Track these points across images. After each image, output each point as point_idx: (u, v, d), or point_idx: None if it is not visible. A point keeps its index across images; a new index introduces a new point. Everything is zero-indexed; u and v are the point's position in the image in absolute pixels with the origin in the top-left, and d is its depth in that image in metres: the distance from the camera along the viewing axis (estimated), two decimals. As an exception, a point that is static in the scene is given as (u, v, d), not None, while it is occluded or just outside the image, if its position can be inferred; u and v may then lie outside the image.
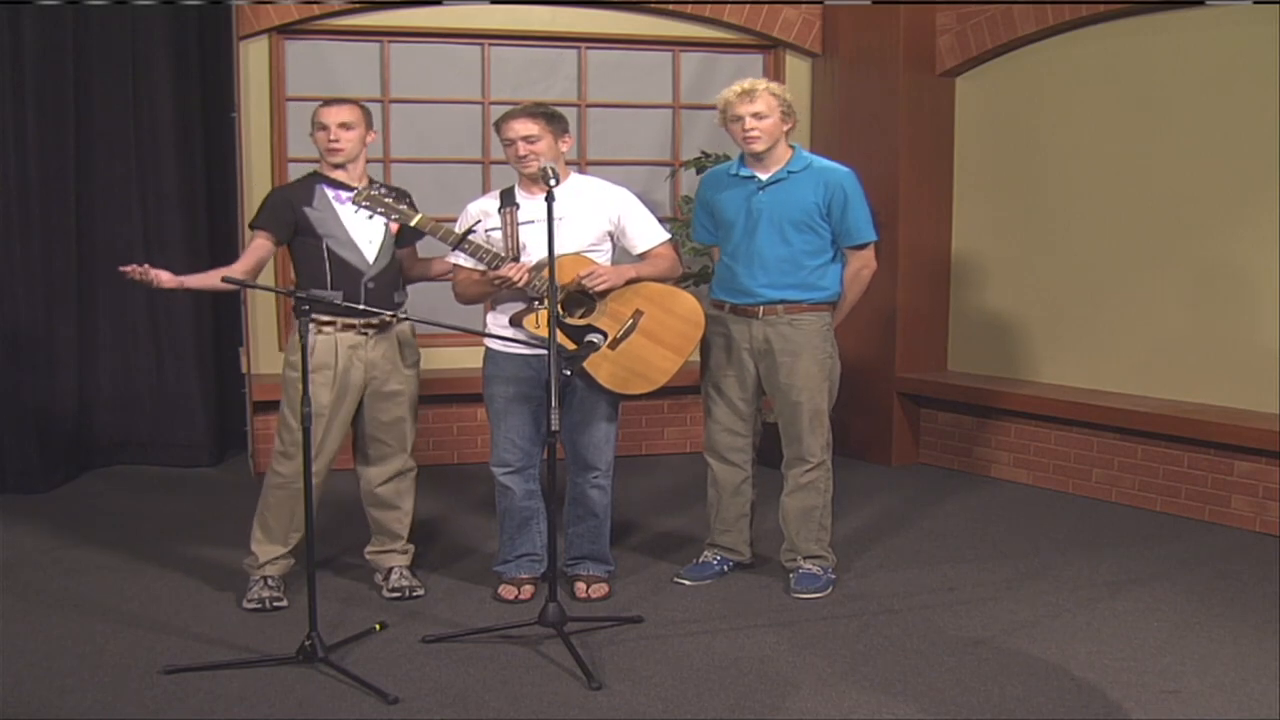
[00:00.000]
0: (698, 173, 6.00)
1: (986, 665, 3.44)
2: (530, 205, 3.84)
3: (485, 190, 6.03)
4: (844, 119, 6.25)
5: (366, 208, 3.71)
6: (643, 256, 3.95)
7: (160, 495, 5.48)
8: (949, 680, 3.34)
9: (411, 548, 4.21)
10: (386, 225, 3.92)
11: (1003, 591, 4.10)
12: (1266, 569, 4.35)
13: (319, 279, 3.85)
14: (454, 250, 3.82)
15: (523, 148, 3.77)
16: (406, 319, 3.94)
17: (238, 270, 3.84)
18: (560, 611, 3.52)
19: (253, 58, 5.81)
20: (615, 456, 4.07)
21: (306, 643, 3.37)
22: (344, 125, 3.87)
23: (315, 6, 5.78)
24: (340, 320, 3.87)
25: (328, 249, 3.86)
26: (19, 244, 5.40)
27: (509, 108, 3.92)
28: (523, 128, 3.76)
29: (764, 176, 4.01)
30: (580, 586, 4.04)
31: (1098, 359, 5.57)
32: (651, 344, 3.88)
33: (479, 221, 3.85)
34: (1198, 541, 4.73)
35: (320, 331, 3.86)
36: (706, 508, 4.31)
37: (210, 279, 3.89)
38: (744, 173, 4.05)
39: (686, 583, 4.16)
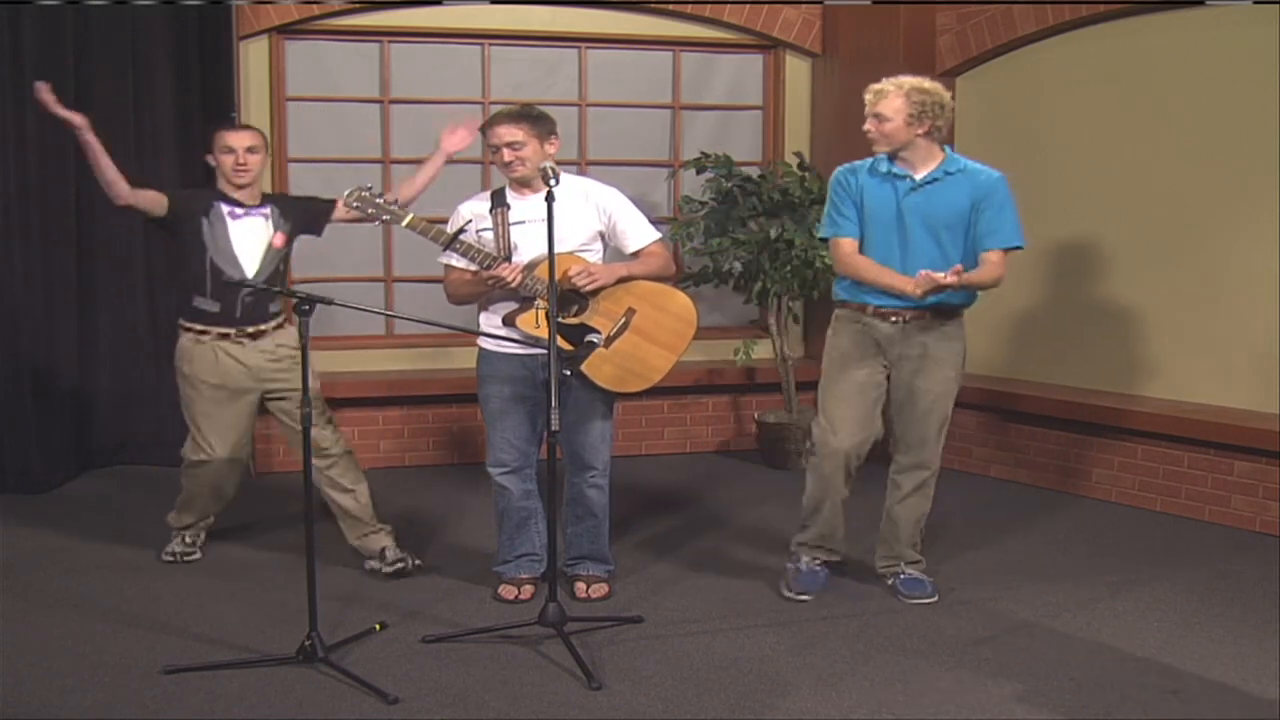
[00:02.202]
0: (698, 173, 6.02)
1: (986, 665, 3.44)
2: (520, 206, 3.84)
3: (484, 190, 6.06)
4: (844, 119, 6.23)
5: (357, 208, 3.74)
6: (635, 255, 3.95)
7: (160, 495, 5.46)
8: (950, 680, 3.34)
9: (388, 526, 4.36)
10: (269, 240, 4.18)
11: (1003, 591, 4.10)
12: (1266, 569, 4.35)
13: (200, 287, 4.14)
14: (445, 251, 3.82)
15: (508, 154, 3.77)
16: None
17: (126, 190, 4.04)
18: (560, 611, 3.52)
19: (253, 58, 5.82)
20: (612, 456, 4.06)
21: (306, 643, 3.37)
22: (251, 150, 4.13)
23: (315, 6, 5.79)
24: (215, 329, 4.15)
25: (210, 260, 4.10)
26: (19, 244, 5.40)
27: (505, 108, 3.92)
28: (507, 134, 3.76)
29: (917, 176, 3.84)
30: (580, 586, 4.04)
31: (1097, 359, 5.57)
32: (645, 342, 3.88)
33: (469, 221, 3.85)
34: (1198, 541, 4.74)
35: (199, 341, 4.16)
36: (809, 515, 4.11)
37: (103, 162, 4.01)
38: (896, 170, 3.86)
39: (807, 598, 4.02)
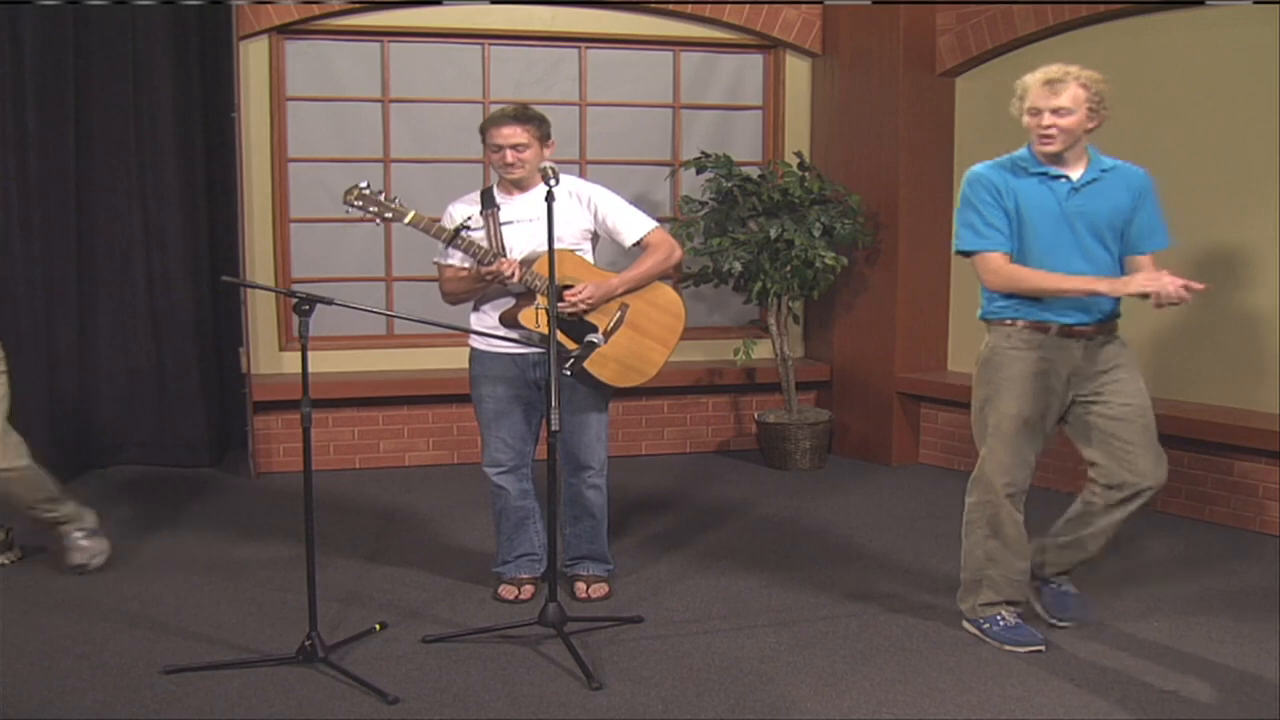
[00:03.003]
0: (698, 173, 6.02)
1: (986, 665, 3.44)
2: (510, 207, 3.86)
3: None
4: (844, 119, 6.25)
5: (358, 207, 3.71)
6: (638, 246, 3.93)
7: (160, 495, 5.48)
8: (949, 680, 3.34)
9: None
10: None
11: (1003, 591, 4.10)
12: (1266, 569, 4.35)
13: None
14: (447, 248, 3.82)
15: (511, 155, 3.78)
16: None
17: None
18: (560, 611, 3.52)
19: (253, 58, 5.82)
20: (610, 455, 4.06)
21: (306, 643, 3.37)
22: None
23: (315, 6, 5.79)
24: None
25: None
26: (19, 244, 5.40)
27: (504, 108, 3.91)
28: (513, 135, 3.76)
29: (1075, 176, 3.49)
30: (580, 586, 4.04)
31: (1098, 359, 5.57)
32: (639, 336, 3.89)
33: (470, 218, 3.84)
34: (1198, 541, 4.74)
35: None
36: (988, 569, 3.64)
37: None
38: (1051, 170, 3.49)
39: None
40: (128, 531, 4.81)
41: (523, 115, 3.80)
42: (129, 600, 3.98)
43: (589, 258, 3.92)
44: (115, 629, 3.70)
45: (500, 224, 3.84)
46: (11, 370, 4.19)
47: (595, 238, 3.97)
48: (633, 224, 3.91)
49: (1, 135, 5.31)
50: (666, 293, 3.97)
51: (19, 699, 3.18)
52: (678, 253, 3.98)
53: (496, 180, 3.95)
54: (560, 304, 3.74)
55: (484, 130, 3.85)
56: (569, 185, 3.93)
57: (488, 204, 3.88)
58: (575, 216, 3.88)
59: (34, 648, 3.53)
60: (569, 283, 3.78)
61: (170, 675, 3.32)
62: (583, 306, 3.79)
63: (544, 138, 3.82)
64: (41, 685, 3.27)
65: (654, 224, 3.95)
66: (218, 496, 5.48)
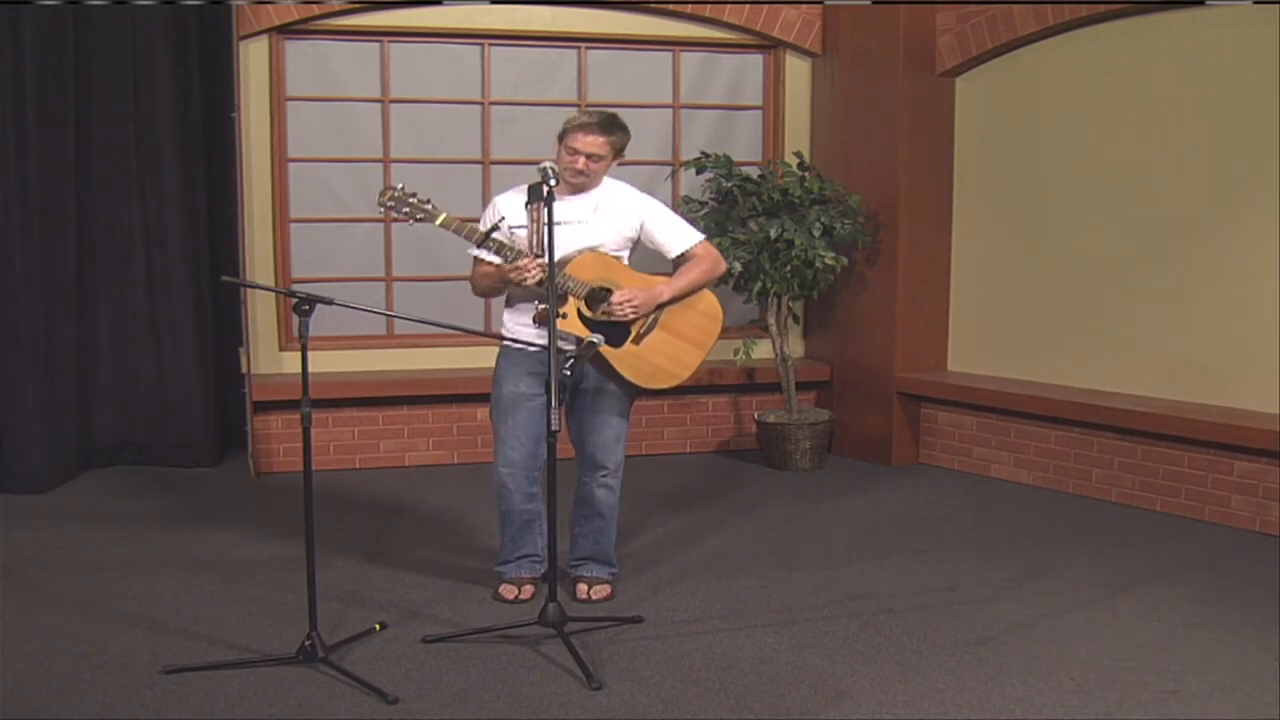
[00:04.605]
0: (698, 173, 6.02)
1: (986, 665, 3.44)
2: (561, 207, 3.75)
3: (485, 190, 6.05)
4: (844, 119, 6.25)
5: (391, 208, 3.72)
6: (682, 258, 3.94)
7: (160, 495, 5.48)
8: (949, 680, 3.34)
9: None
10: None
11: (1003, 591, 4.10)
12: (1266, 569, 4.35)
13: None
14: (478, 248, 3.81)
15: (583, 163, 3.77)
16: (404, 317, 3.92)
17: None
18: (560, 611, 3.52)
19: (253, 58, 5.82)
20: (625, 457, 4.05)
21: (306, 643, 3.37)
22: None
23: (315, 6, 5.78)
24: None
25: None
26: (19, 244, 5.40)
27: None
28: (593, 145, 3.75)
29: None
30: (582, 588, 4.04)
31: (1098, 359, 5.57)
32: (674, 339, 3.90)
33: (503, 219, 3.82)
34: (1198, 541, 4.74)
35: None
36: None
37: None
38: None
39: None
40: (128, 531, 4.81)
41: (608, 126, 3.79)
42: (129, 600, 3.98)
43: (625, 261, 3.93)
44: (115, 629, 3.70)
45: (546, 223, 3.81)
46: None
47: (635, 244, 3.97)
48: (678, 237, 3.94)
49: (1, 135, 5.31)
50: (705, 296, 3.97)
51: (19, 699, 3.18)
52: (721, 265, 4.02)
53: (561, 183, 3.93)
54: (607, 308, 3.76)
55: (566, 131, 3.81)
56: (620, 192, 3.94)
57: (534, 198, 3.83)
58: (621, 224, 3.88)
59: (34, 648, 3.53)
60: (607, 285, 3.80)
61: (170, 675, 3.32)
62: (629, 312, 3.79)
63: (620, 150, 3.82)
64: (41, 685, 3.27)
65: (700, 237, 3.98)
66: (218, 496, 5.48)
